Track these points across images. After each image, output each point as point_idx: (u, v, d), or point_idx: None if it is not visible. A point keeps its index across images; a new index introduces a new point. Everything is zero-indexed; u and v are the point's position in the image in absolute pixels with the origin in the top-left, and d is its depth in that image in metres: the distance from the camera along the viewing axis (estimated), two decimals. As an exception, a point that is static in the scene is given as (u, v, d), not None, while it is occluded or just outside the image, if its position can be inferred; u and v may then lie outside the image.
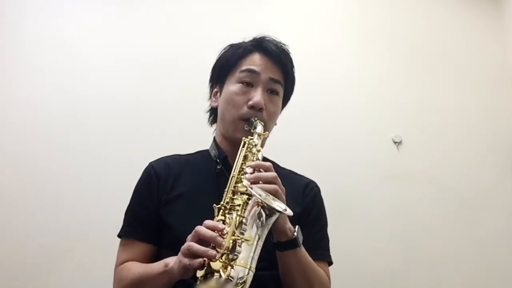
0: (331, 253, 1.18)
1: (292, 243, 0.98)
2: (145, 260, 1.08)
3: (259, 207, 0.86)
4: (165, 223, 1.09)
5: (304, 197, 1.19)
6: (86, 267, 1.75)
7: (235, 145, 1.11)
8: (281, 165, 1.26)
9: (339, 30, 2.34)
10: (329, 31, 2.33)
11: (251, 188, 0.87)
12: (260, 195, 0.86)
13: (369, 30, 2.36)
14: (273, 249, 1.00)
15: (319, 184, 1.26)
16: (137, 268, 1.04)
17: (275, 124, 1.23)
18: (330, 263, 1.17)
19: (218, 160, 1.16)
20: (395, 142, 2.20)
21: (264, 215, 0.86)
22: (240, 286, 0.79)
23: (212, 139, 1.25)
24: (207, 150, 1.23)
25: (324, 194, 1.25)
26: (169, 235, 1.07)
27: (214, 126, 1.27)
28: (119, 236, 1.14)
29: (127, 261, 1.09)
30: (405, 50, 2.35)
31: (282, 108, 1.26)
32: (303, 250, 1.01)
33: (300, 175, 1.27)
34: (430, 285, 2.03)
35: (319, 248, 1.14)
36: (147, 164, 1.21)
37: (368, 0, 2.43)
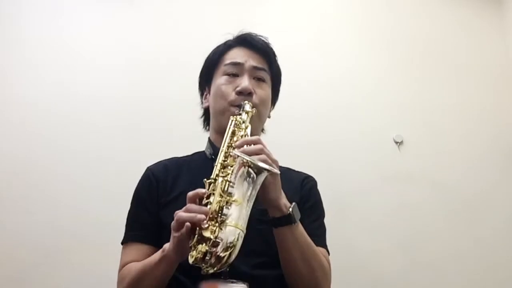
0: (331, 253, 1.17)
1: (286, 219, 0.96)
2: None
3: (246, 167, 0.86)
4: (165, 224, 1.08)
5: (301, 189, 1.19)
6: (84, 267, 1.75)
7: None
8: (280, 164, 1.26)
9: (339, 29, 2.33)
10: (329, 30, 2.32)
11: (237, 154, 0.87)
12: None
13: (370, 29, 2.35)
14: (274, 242, 0.98)
15: (319, 185, 1.25)
16: (138, 264, 1.04)
17: (269, 117, 1.24)
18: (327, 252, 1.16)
19: (213, 157, 1.15)
20: (396, 142, 2.19)
21: (252, 173, 0.86)
22: (231, 250, 0.80)
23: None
24: (204, 151, 1.23)
25: (324, 194, 1.24)
26: (169, 236, 1.07)
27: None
28: (122, 243, 1.14)
29: (129, 263, 1.09)
30: (406, 49, 2.34)
31: (275, 101, 1.27)
32: (300, 228, 0.99)
33: (297, 171, 1.27)
34: (431, 286, 2.02)
35: (315, 235, 1.11)
36: (147, 163, 1.21)
37: (368, -1, 2.43)
